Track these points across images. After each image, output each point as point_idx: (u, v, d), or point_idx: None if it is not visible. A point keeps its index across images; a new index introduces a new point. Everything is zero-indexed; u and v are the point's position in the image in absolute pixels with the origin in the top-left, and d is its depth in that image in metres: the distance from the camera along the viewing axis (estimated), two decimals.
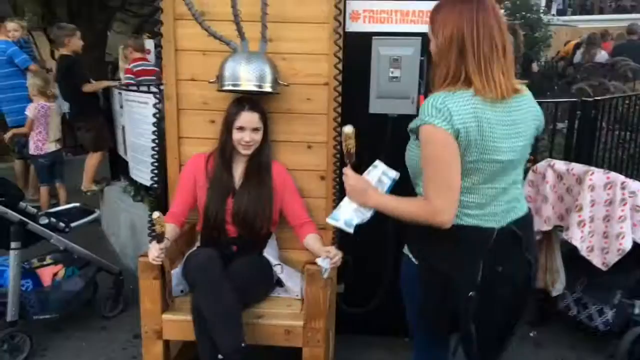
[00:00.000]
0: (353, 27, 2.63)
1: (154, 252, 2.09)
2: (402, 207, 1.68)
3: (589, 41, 8.14)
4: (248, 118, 2.36)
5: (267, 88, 2.33)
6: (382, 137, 2.68)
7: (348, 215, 1.82)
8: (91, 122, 4.92)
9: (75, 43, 4.89)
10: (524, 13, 10.70)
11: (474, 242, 1.63)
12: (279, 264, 2.44)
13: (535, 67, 9.13)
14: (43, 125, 4.83)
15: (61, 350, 2.98)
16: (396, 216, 1.70)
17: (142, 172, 4.02)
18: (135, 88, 4.66)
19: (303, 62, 2.52)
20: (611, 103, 3.83)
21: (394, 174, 1.82)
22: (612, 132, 3.90)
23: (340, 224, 1.83)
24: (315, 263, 2.14)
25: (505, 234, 1.63)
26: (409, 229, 1.72)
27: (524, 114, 1.62)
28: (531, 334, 3.17)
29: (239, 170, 2.45)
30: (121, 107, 4.45)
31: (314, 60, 2.51)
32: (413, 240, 1.78)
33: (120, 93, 4.49)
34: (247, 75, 2.29)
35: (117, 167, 4.97)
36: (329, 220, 1.87)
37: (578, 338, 3.09)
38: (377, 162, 1.86)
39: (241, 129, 2.36)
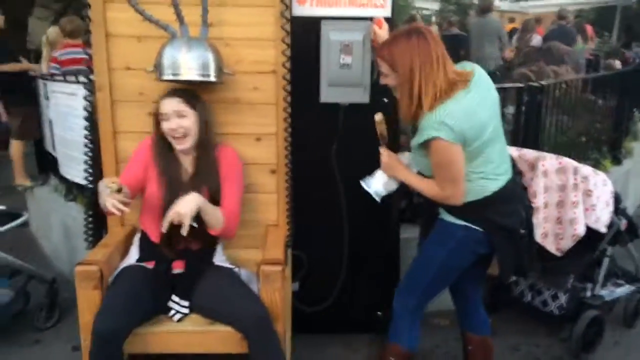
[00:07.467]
0: (300, 10, 2.48)
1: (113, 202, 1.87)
2: (422, 186, 2.05)
3: (524, 27, 8.34)
4: (167, 103, 2.15)
5: (212, 77, 2.15)
6: (334, 127, 2.57)
7: (379, 186, 2.15)
8: (20, 108, 4.62)
9: None
10: None
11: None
12: (236, 267, 2.25)
13: None
14: None
15: None
16: (418, 191, 2.09)
17: (74, 170, 3.72)
18: (61, 78, 4.31)
19: (248, 49, 2.35)
20: (556, 87, 3.86)
21: None
22: (556, 116, 3.94)
23: (370, 191, 2.16)
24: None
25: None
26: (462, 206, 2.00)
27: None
28: None
29: (185, 164, 2.24)
30: (47, 98, 4.11)
31: (260, 47, 2.35)
32: (472, 213, 2.02)
33: (45, 84, 4.15)
34: (188, 63, 2.10)
35: (45, 164, 4.61)
36: (362, 184, 2.18)
37: (532, 324, 3.11)
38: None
39: (164, 116, 2.15)
